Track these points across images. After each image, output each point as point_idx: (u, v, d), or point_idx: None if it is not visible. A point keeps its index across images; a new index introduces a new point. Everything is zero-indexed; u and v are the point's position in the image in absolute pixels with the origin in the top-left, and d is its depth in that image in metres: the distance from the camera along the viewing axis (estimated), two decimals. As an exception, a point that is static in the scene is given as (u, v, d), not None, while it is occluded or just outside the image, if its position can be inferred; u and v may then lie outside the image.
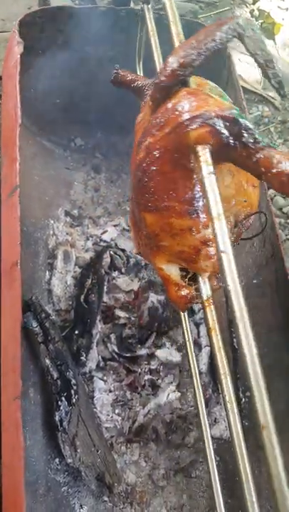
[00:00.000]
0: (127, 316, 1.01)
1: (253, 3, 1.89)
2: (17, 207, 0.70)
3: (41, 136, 1.17)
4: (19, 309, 0.65)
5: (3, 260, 0.70)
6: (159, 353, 0.98)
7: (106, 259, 1.03)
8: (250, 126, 0.48)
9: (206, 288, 0.53)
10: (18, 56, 0.83)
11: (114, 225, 1.17)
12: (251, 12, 1.88)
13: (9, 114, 0.79)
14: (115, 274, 1.03)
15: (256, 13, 1.86)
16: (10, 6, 1.60)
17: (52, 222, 1.10)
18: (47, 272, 1.02)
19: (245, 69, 1.76)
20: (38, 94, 1.12)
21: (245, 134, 0.47)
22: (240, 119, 0.48)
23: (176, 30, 0.57)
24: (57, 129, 1.21)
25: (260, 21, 1.85)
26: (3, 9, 1.59)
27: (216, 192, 0.44)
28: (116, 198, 1.26)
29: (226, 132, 0.47)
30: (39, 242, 1.03)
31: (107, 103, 1.19)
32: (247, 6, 1.89)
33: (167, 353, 0.98)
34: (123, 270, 1.03)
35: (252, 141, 0.46)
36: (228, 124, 0.47)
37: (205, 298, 0.53)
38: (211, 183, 0.44)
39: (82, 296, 0.94)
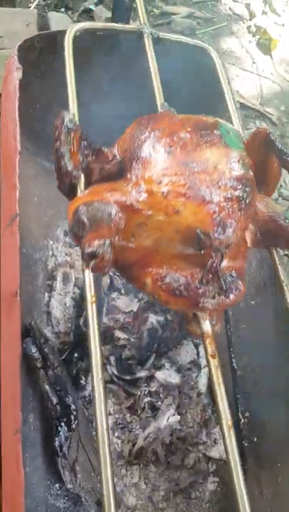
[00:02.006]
0: (127, 337, 1.01)
1: (250, 19, 1.91)
2: (16, 236, 0.70)
3: (40, 156, 1.17)
4: (19, 341, 0.65)
5: (3, 289, 0.70)
6: (158, 374, 0.98)
7: (105, 280, 1.03)
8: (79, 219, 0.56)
9: (205, 324, 0.54)
10: (17, 82, 0.84)
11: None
12: (248, 28, 1.90)
13: (9, 141, 0.80)
14: (115, 295, 1.03)
15: (253, 29, 1.88)
16: (8, 22, 1.61)
17: (51, 242, 1.10)
18: (46, 294, 1.02)
19: (243, 84, 1.77)
20: (37, 114, 1.13)
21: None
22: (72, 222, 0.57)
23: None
24: (56, 148, 1.21)
25: (257, 37, 1.87)
26: (1, 26, 1.60)
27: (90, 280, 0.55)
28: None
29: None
30: (38, 263, 1.03)
31: (105, 120, 1.20)
32: (244, 22, 1.91)
33: (167, 375, 0.98)
34: (122, 291, 1.03)
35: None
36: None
37: (204, 331, 0.53)
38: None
39: (82, 319, 0.94)
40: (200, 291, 0.54)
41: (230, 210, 0.56)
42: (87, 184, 0.62)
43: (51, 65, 1.05)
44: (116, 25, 0.78)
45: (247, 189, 0.59)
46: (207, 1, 1.92)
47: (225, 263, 0.57)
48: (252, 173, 0.62)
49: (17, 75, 0.84)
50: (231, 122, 0.78)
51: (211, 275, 0.54)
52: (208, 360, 0.52)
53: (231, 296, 0.56)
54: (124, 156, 0.61)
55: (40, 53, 0.97)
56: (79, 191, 0.61)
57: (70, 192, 0.62)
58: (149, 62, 0.72)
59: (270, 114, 1.72)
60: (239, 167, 0.59)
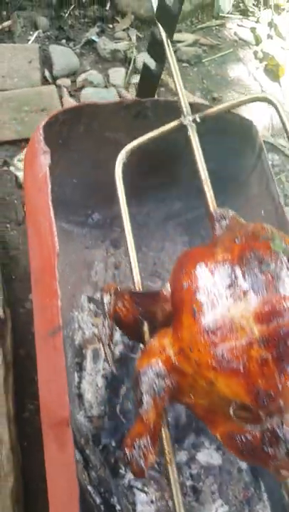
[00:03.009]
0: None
1: (256, 44, 1.86)
2: (61, 353, 0.64)
3: (60, 218, 1.10)
4: (74, 479, 0.59)
5: (46, 414, 0.64)
6: (199, 456, 0.94)
7: (137, 354, 0.98)
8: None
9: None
10: (48, 168, 0.78)
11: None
12: (255, 53, 1.84)
13: (44, 240, 0.74)
14: (148, 372, 0.98)
15: (260, 54, 1.83)
16: (9, 60, 1.53)
17: (76, 313, 1.05)
18: (76, 374, 0.97)
19: (253, 115, 1.72)
20: (56, 179, 1.07)
21: None
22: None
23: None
24: (74, 207, 1.16)
25: (265, 63, 1.82)
26: (2, 65, 1.52)
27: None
28: (137, 273, 1.21)
29: None
30: (66, 340, 0.97)
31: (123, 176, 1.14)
32: (250, 47, 1.86)
33: (208, 456, 0.94)
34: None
35: None
36: None
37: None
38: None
39: (118, 407, 0.90)
40: (267, 453, 0.50)
41: (267, 375, 0.49)
42: (154, 328, 0.58)
43: (73, 132, 0.99)
44: (157, 131, 0.72)
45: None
46: (212, 27, 1.86)
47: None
48: None
49: (45, 160, 0.78)
50: None
51: (274, 438, 0.50)
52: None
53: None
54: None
55: (62, 124, 0.90)
56: (146, 337, 0.59)
57: (139, 340, 0.59)
58: (197, 162, 0.67)
59: (282, 146, 1.68)
60: (271, 318, 0.50)
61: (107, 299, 0.60)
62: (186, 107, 0.70)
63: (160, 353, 0.56)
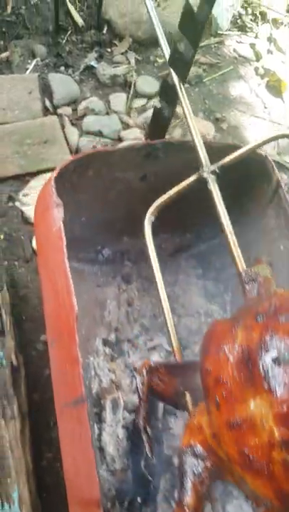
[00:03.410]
0: (187, 464, 0.93)
1: (257, 60, 1.83)
2: (87, 426, 0.61)
3: (70, 258, 1.07)
4: None
5: (71, 487, 0.61)
6: (228, 508, 0.90)
7: (158, 404, 0.94)
8: None
9: None
10: (61, 223, 0.75)
11: (155, 347, 1.09)
12: (256, 70, 1.82)
13: (61, 297, 0.70)
14: (171, 420, 0.94)
15: (261, 70, 1.80)
16: (8, 91, 1.50)
17: (92, 359, 1.01)
18: (95, 426, 0.93)
19: (258, 133, 1.70)
20: (65, 219, 1.04)
21: None
22: None
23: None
24: (84, 243, 1.13)
25: (266, 79, 1.79)
26: (2, 96, 1.49)
27: None
28: (151, 309, 1.17)
29: None
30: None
31: (131, 209, 1.12)
32: (250, 64, 1.83)
33: (238, 508, 0.90)
34: (178, 415, 0.95)
35: None
36: None
37: None
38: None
39: (143, 461, 0.86)
40: None
41: None
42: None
43: (82, 178, 0.96)
44: (178, 188, 0.68)
45: None
46: (210, 45, 1.83)
47: None
48: None
49: (58, 213, 0.74)
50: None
51: None
52: None
53: None
54: None
55: (72, 172, 0.87)
56: (189, 407, 0.58)
57: (184, 409, 0.58)
58: (220, 216, 0.63)
59: (288, 163, 1.65)
60: None
61: (140, 379, 0.56)
62: (204, 159, 0.66)
63: (198, 432, 0.53)
